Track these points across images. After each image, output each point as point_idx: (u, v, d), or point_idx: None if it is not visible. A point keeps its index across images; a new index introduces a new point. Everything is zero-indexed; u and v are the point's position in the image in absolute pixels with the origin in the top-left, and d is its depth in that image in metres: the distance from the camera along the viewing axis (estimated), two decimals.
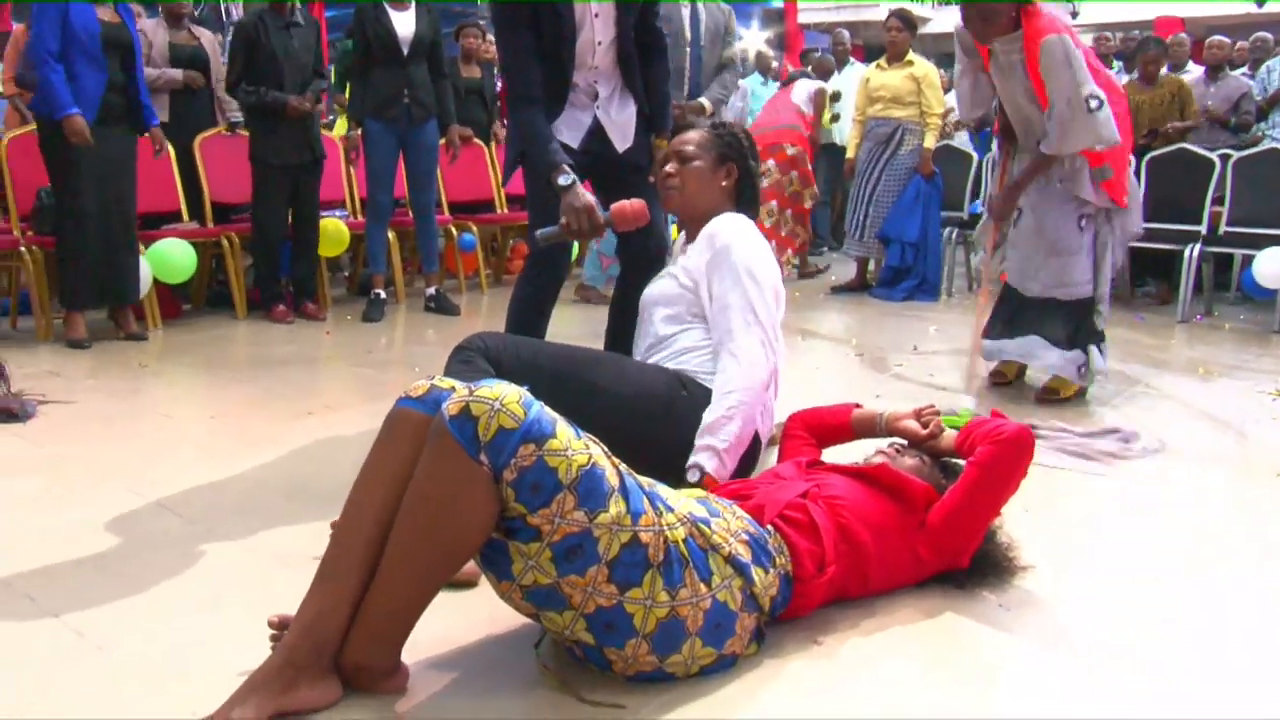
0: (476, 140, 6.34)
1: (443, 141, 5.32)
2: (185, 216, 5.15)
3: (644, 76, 2.85)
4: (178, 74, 5.22)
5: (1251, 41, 7.57)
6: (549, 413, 1.51)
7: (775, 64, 10.58)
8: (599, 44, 2.72)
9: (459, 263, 6.26)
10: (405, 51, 4.94)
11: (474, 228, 6.18)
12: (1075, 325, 3.57)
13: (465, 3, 11.35)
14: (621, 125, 2.84)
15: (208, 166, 5.23)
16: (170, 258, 4.74)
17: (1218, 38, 6.68)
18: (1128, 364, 4.30)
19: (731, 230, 2.29)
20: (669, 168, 2.41)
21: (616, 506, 1.50)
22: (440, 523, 1.48)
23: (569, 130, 2.76)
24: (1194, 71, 6.87)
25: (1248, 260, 5.59)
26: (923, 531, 1.97)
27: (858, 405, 2.33)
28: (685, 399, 2.20)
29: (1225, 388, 3.97)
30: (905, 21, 6.32)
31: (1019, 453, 1.96)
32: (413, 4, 4.97)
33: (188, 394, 3.86)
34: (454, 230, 6.03)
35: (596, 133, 2.81)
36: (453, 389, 1.60)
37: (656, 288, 2.42)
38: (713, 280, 2.25)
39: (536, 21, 2.60)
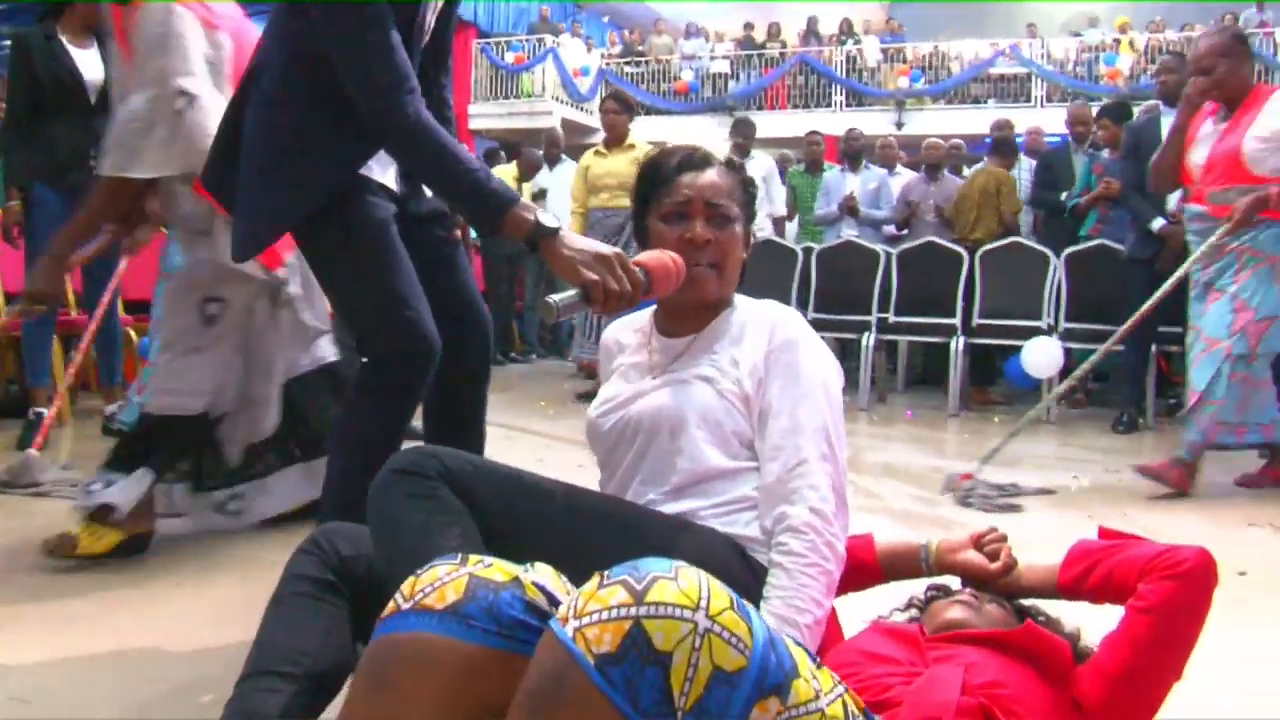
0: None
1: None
2: None
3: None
4: None
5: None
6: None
7: None
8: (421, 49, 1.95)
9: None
10: (93, 99, 3.83)
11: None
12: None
13: None
14: None
15: None
16: None
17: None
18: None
19: (797, 324, 1.54)
20: (701, 229, 1.52)
21: None
22: None
23: (381, 166, 1.93)
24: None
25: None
26: (1079, 713, 1.38)
27: (869, 533, 1.72)
28: (750, 585, 1.36)
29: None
30: (622, 103, 6.07)
31: (1206, 588, 1.42)
32: (95, 41, 3.87)
33: None
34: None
35: (407, 172, 2.02)
36: (522, 585, 0.81)
37: (678, 396, 1.50)
38: (772, 384, 1.48)
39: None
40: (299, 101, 1.81)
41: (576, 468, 2.93)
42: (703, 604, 0.75)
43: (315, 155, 1.82)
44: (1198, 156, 3.63)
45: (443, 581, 0.87)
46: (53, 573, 2.31)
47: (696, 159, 1.55)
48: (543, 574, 0.89)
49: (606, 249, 1.56)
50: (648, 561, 0.80)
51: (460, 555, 0.90)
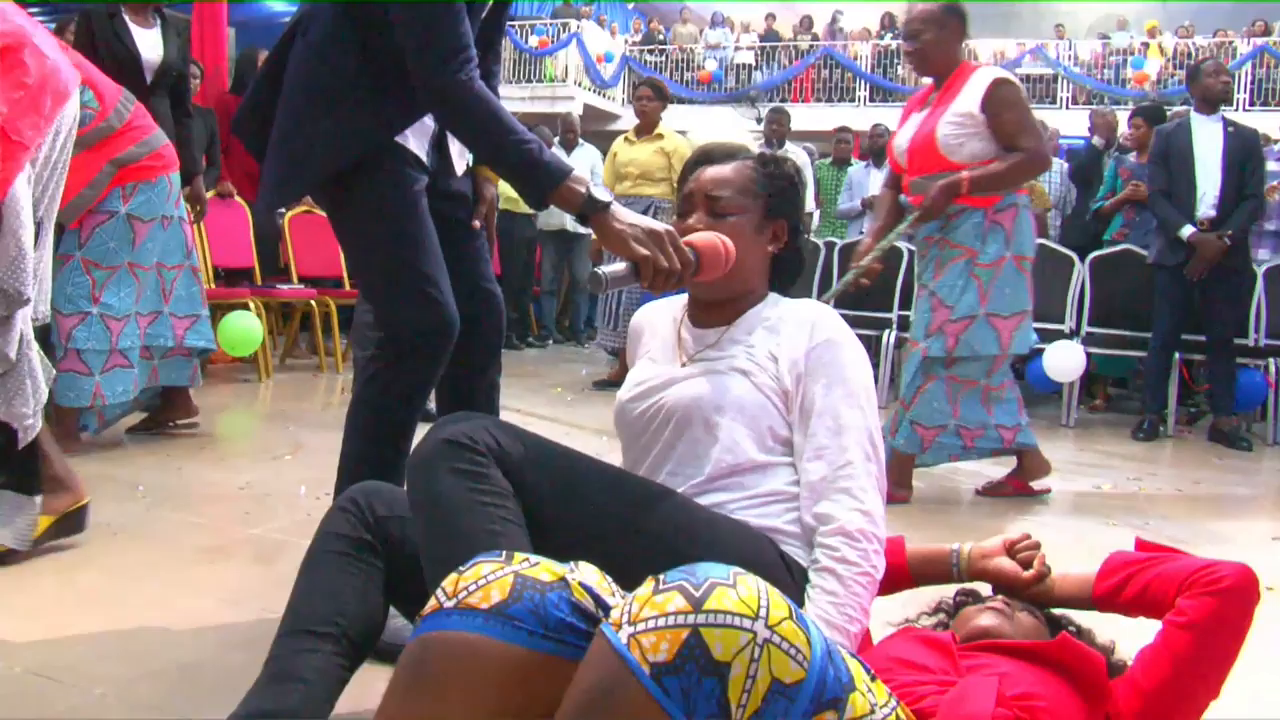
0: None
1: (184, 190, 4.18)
2: None
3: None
4: None
5: None
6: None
7: None
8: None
9: None
10: (149, 79, 3.84)
11: None
12: None
13: None
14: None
15: None
16: None
17: None
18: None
19: (838, 324, 1.53)
20: (695, 222, 1.54)
21: None
22: None
23: (417, 138, 1.90)
24: None
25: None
26: None
27: (899, 536, 1.70)
28: (789, 584, 1.35)
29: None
30: (656, 91, 5.91)
31: (1247, 606, 1.40)
32: (158, 21, 3.89)
33: None
34: None
35: (438, 146, 1.98)
36: (568, 586, 0.79)
37: (713, 387, 1.47)
38: (814, 382, 1.47)
39: None
40: (344, 55, 1.79)
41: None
42: (762, 613, 0.73)
43: (352, 108, 1.79)
44: (902, 142, 3.28)
45: (487, 580, 0.85)
46: (62, 549, 2.30)
47: (710, 152, 1.57)
48: (588, 574, 0.87)
49: (658, 225, 1.54)
50: (705, 566, 0.77)
51: (505, 552, 0.87)
